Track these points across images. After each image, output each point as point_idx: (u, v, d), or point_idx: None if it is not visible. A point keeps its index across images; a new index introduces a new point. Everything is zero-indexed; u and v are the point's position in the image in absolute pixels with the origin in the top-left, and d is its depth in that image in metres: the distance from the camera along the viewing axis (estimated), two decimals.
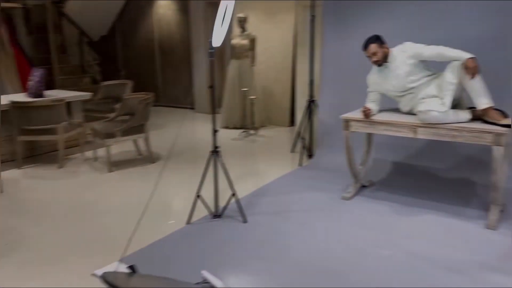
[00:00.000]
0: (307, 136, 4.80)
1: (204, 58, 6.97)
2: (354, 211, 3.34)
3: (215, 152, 3.06)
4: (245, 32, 6.26)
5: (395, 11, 4.09)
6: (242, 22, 6.22)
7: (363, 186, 3.78)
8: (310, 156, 4.80)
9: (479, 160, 3.78)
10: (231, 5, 2.87)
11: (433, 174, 4.05)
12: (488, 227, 2.89)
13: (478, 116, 2.94)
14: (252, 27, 6.49)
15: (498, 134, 2.72)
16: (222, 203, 3.22)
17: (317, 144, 4.84)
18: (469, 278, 2.32)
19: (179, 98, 8.22)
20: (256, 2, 6.85)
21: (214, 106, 3.10)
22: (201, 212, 3.20)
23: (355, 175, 3.64)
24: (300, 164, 4.51)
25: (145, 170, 4.49)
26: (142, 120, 4.53)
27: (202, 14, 7.28)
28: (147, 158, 4.68)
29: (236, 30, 6.46)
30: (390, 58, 3.16)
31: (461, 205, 3.38)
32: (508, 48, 3.60)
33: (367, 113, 3.17)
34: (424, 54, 3.03)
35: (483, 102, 2.83)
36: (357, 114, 3.36)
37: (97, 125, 4.53)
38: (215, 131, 3.03)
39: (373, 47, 3.12)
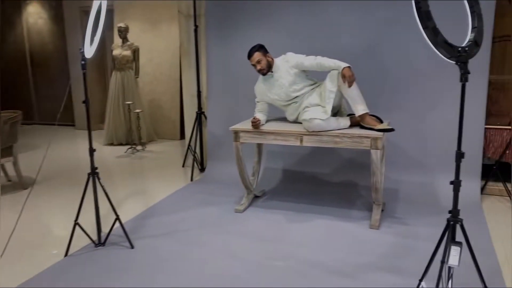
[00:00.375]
0: (197, 150, 4.69)
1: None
2: (248, 223, 3.31)
3: (94, 173, 2.81)
4: (127, 43, 6.04)
5: (277, 23, 4.17)
6: (123, 32, 6.01)
7: (256, 196, 3.77)
8: (202, 169, 4.69)
9: (360, 162, 4.00)
10: (104, 8, 2.57)
11: (320, 179, 4.21)
12: (371, 227, 3.07)
13: (357, 122, 3.12)
14: (134, 37, 6.26)
15: (375, 139, 2.89)
16: (106, 229, 2.95)
17: (208, 156, 4.76)
18: (360, 281, 2.36)
19: (56, 115, 7.64)
20: (138, 11, 6.64)
21: (90, 123, 2.80)
22: (82, 240, 2.88)
23: (247, 186, 3.63)
24: (192, 179, 4.38)
25: (15, 197, 4.00)
26: (9, 142, 4.11)
27: (78, 23, 6.85)
28: (17, 184, 4.23)
29: (117, 40, 6.17)
30: (274, 68, 3.23)
31: (347, 207, 3.53)
32: (381, 57, 3.85)
33: (256, 124, 3.18)
34: (304, 64, 3.14)
35: (360, 109, 3.03)
36: (246, 125, 3.35)
37: None
38: (92, 151, 2.76)
39: (257, 55, 3.16)
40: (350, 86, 2.96)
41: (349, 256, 2.72)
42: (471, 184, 3.58)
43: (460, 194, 1.97)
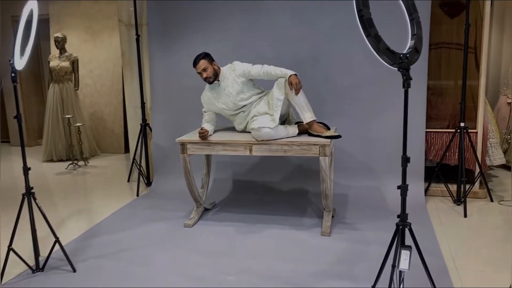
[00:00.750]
0: (143, 163, 4.52)
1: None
2: (198, 238, 3.23)
3: (29, 193, 2.61)
4: (65, 54, 5.82)
5: (222, 32, 4.15)
6: (61, 42, 5.78)
7: (206, 209, 3.71)
8: (148, 183, 4.56)
9: (309, 169, 4.05)
10: (35, 15, 2.38)
11: (271, 188, 4.21)
12: (323, 234, 3.09)
13: (305, 130, 3.17)
14: (73, 47, 6.04)
15: (323, 146, 2.93)
16: (46, 252, 2.73)
17: (155, 170, 4.63)
18: None
19: None
20: (76, 21, 6.41)
21: (22, 139, 2.61)
22: (18, 267, 2.68)
23: (196, 199, 3.54)
24: (138, 194, 4.24)
25: None
26: None
27: (11, 32, 6.41)
28: None
29: (54, 51, 5.95)
30: (220, 77, 3.20)
31: (299, 215, 3.55)
32: (325, 65, 3.90)
33: (203, 135, 3.13)
34: (251, 72, 3.13)
35: (307, 116, 3.07)
36: (194, 136, 3.28)
37: None
38: (26, 169, 2.58)
39: (203, 63, 3.11)
40: (297, 93, 2.98)
41: (303, 265, 2.71)
42: (415, 186, 3.70)
43: (409, 195, 2.06)
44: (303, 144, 3.02)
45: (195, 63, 3.20)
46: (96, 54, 6.39)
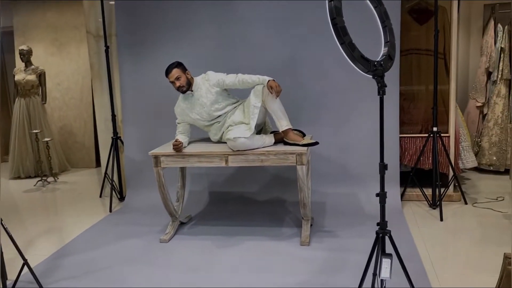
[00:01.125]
0: (115, 177, 4.43)
1: None
2: (174, 254, 3.15)
3: None
4: (31, 67, 5.69)
5: (194, 42, 4.11)
6: (26, 55, 5.65)
7: (182, 223, 3.65)
8: (121, 198, 4.45)
9: (286, 178, 4.06)
10: None
11: (248, 198, 4.19)
12: (302, 243, 3.06)
13: (281, 139, 3.14)
14: (39, 60, 5.90)
15: (300, 155, 2.93)
16: (13, 276, 2.56)
17: (128, 184, 4.53)
18: None
19: None
20: (41, 33, 6.30)
21: None
22: None
23: (172, 213, 3.48)
24: (111, 210, 4.13)
25: None
26: None
27: None
28: None
29: (20, 64, 5.78)
30: (194, 87, 3.18)
31: (277, 225, 3.54)
32: (299, 73, 3.93)
33: (178, 147, 3.07)
34: (226, 82, 3.12)
35: (283, 124, 3.05)
36: (167, 148, 3.23)
37: None
38: None
39: (175, 71, 3.09)
40: (277, 96, 2.97)
41: (283, 277, 2.67)
42: (391, 191, 3.76)
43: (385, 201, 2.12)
44: (280, 153, 3.00)
45: (168, 72, 3.16)
46: (64, 67, 6.27)
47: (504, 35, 4.50)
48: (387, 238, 1.96)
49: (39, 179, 5.47)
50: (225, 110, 3.24)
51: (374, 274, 1.93)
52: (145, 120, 4.41)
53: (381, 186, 1.89)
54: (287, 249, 3.14)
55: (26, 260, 2.63)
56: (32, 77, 5.69)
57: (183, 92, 3.25)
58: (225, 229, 3.55)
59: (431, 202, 3.79)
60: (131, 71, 4.39)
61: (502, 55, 4.70)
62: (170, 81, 3.25)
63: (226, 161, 3.10)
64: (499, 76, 4.70)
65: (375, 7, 2.03)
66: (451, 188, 3.93)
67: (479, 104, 4.89)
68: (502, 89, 4.72)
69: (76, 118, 6.28)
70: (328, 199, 3.95)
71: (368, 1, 1.87)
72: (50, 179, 5.49)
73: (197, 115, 3.26)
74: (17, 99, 5.83)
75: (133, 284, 2.78)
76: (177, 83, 3.15)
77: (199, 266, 2.97)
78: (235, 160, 3.08)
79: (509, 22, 4.40)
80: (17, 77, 5.73)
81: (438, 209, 3.58)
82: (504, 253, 1.77)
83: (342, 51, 1.83)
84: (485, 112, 4.91)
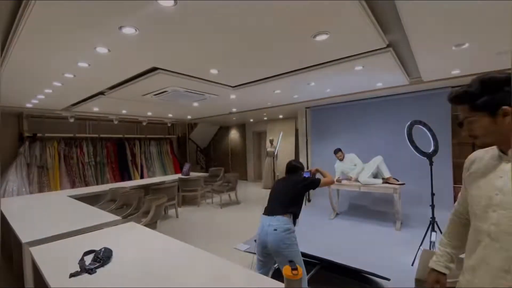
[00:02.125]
0: None
1: None
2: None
3: None
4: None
5: (350, 134, 6.46)
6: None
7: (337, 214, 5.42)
8: None
9: (386, 200, 5.36)
10: None
11: (367, 206, 5.52)
12: (396, 230, 4.59)
13: (386, 181, 4.55)
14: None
15: (395, 188, 4.30)
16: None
17: None
18: None
19: None
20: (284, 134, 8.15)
21: None
22: None
23: (334, 208, 5.36)
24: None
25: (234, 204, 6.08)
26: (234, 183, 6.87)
27: None
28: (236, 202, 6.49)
29: None
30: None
31: (383, 221, 5.00)
32: (399, 156, 5.22)
33: None
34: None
35: (386, 175, 4.52)
36: None
37: (213, 187, 6.70)
38: None
39: (339, 154, 5.38)
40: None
41: (383, 246, 4.09)
42: (447, 213, 4.55)
43: (441, 217, 3.31)
44: (384, 187, 4.71)
45: (336, 152, 5.28)
46: (284, 147, 9.40)
47: None
48: None
49: None
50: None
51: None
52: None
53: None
54: (389, 231, 4.33)
55: None
56: (272, 149, 8.88)
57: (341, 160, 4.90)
58: (355, 219, 5.11)
59: None
60: (316, 147, 6.50)
61: None
62: (336, 156, 5.08)
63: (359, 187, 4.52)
64: None
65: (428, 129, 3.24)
66: None
67: None
68: None
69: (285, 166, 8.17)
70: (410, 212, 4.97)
71: (422, 127, 3.29)
72: None
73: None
74: (266, 158, 8.98)
75: (316, 229, 4.36)
76: (340, 157, 5.02)
77: (345, 230, 4.66)
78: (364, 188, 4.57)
79: None
80: (268, 149, 8.83)
81: None
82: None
83: (411, 147, 3.20)
84: None
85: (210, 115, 7.82)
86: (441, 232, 2.90)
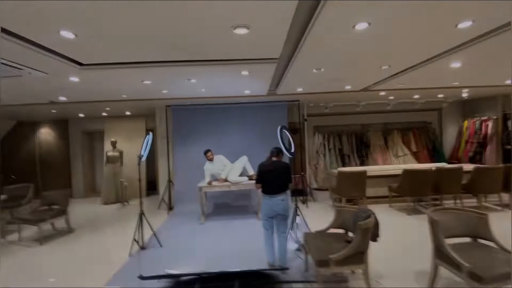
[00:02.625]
0: (166, 198, 6.44)
1: None
2: (207, 227, 4.78)
3: None
4: (116, 148, 7.62)
5: (213, 134, 6.65)
6: (114, 143, 7.64)
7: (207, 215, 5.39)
8: (170, 209, 6.09)
9: (244, 194, 6.28)
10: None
11: (229, 203, 6.10)
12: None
13: (250, 178, 5.21)
14: (118, 145, 7.70)
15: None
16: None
17: (175, 202, 6.46)
18: None
19: None
20: (121, 133, 7.88)
21: None
22: None
23: (203, 211, 5.65)
24: (168, 213, 5.69)
25: None
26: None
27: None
28: None
29: (109, 147, 7.62)
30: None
31: (246, 214, 5.56)
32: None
33: (210, 183, 5.34)
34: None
35: (250, 173, 5.28)
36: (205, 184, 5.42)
37: (19, 215, 4.80)
38: None
39: (210, 153, 5.56)
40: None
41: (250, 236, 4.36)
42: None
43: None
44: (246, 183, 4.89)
45: (206, 152, 5.21)
46: (132, 150, 8.38)
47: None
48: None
49: (120, 203, 6.82)
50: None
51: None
52: (185, 173, 6.25)
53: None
54: (253, 222, 4.85)
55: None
56: (116, 154, 7.26)
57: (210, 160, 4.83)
58: (224, 217, 5.35)
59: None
60: (179, 150, 6.33)
61: None
62: (206, 156, 4.99)
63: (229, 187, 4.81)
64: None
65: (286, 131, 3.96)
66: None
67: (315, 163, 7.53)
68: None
69: (134, 173, 7.71)
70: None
71: (285, 131, 4.05)
72: (125, 203, 6.97)
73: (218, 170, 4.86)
74: (107, 164, 7.28)
75: (190, 239, 4.08)
76: (210, 156, 4.85)
77: (221, 231, 4.52)
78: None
79: None
80: (109, 154, 7.20)
81: (306, 203, 5.81)
82: None
83: (282, 146, 3.84)
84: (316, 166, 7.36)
85: (9, 104, 5.30)
86: (302, 216, 3.77)
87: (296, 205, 4.05)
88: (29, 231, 4.89)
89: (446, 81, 4.72)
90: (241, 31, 2.36)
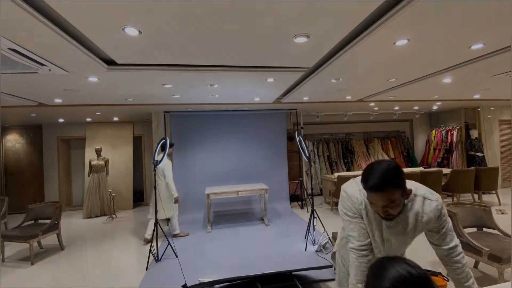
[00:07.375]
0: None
1: None
2: (214, 235, 4.71)
3: None
4: (101, 157, 7.00)
5: (212, 141, 6.47)
6: (99, 151, 6.92)
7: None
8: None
9: (248, 201, 6.02)
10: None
11: (234, 210, 5.86)
12: (266, 225, 5.34)
13: None
14: (102, 154, 6.97)
15: (266, 189, 4.99)
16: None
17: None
18: None
19: None
20: (104, 140, 7.36)
21: None
22: None
23: (209, 220, 5.38)
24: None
25: None
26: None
27: None
28: None
29: (93, 155, 6.97)
30: None
31: (252, 219, 5.37)
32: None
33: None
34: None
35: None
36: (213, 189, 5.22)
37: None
38: None
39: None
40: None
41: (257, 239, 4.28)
42: (286, 203, 6.22)
43: (283, 207, 4.81)
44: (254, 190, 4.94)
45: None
46: (116, 158, 7.67)
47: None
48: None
49: (108, 216, 6.29)
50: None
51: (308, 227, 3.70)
52: (184, 181, 6.02)
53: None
54: (261, 227, 4.74)
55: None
56: (101, 162, 6.71)
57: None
58: (229, 225, 5.14)
59: (301, 206, 6.28)
60: (178, 157, 6.13)
61: None
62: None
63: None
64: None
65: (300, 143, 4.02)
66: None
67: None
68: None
69: (120, 183, 7.30)
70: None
71: (298, 136, 4.14)
72: (113, 216, 6.37)
73: None
74: (90, 174, 6.66)
75: (202, 248, 4.02)
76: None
77: (227, 237, 4.41)
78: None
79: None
80: (93, 163, 6.58)
81: (305, 208, 5.91)
82: None
83: (302, 152, 4.64)
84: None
85: None
86: (319, 219, 4.02)
87: (312, 208, 4.17)
88: (10, 250, 4.34)
89: (429, 94, 5.12)
90: (301, 39, 2.35)
